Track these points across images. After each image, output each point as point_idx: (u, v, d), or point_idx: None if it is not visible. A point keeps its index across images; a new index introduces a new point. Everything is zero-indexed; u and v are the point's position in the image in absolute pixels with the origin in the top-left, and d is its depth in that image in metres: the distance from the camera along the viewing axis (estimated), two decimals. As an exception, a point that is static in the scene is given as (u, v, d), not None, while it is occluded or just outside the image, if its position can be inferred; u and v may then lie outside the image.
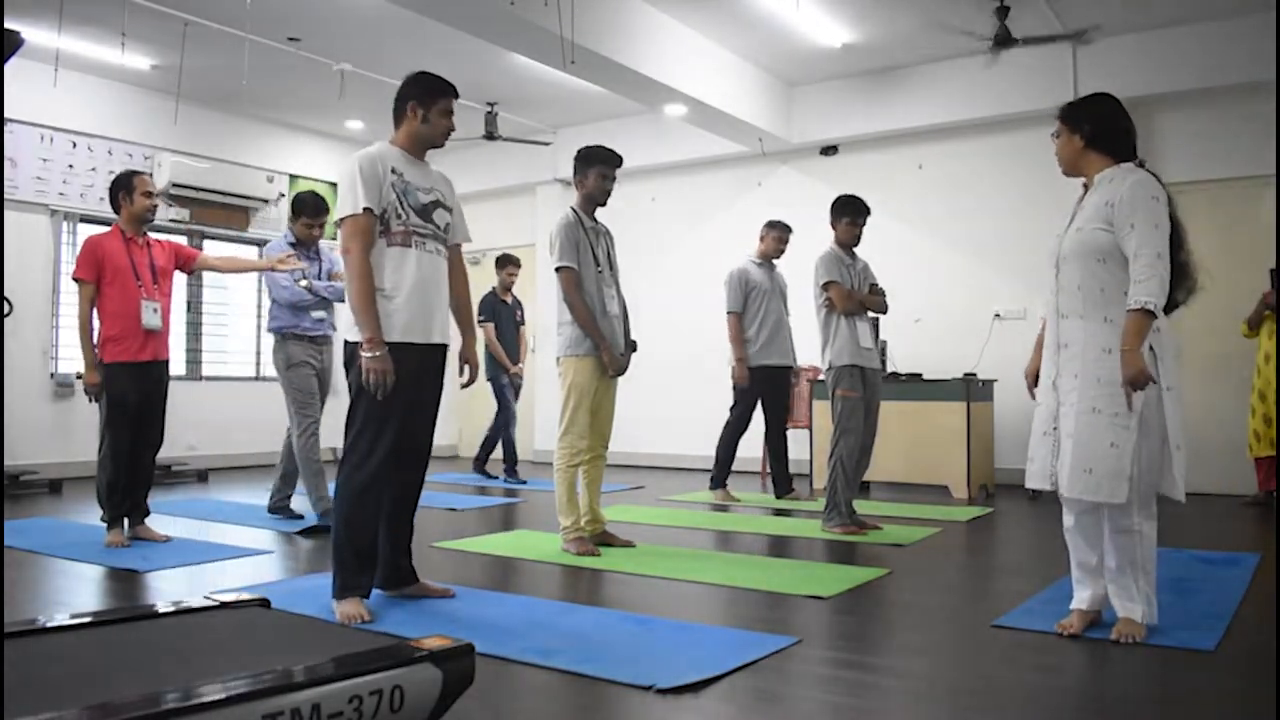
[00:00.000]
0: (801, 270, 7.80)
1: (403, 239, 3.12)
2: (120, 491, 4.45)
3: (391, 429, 3.07)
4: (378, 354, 2.99)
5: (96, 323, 4.39)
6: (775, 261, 6.28)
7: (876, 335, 4.86)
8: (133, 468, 4.49)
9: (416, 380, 3.14)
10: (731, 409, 6.21)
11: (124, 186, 4.49)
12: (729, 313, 6.09)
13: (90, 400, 4.42)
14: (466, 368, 3.43)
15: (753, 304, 6.08)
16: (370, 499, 3.08)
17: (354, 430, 3.08)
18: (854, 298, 4.71)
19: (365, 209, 3.04)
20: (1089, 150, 2.87)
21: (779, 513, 5.67)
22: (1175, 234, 2.76)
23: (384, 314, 3.06)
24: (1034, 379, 3.10)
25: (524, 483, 7.04)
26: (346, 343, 3.12)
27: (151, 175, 4.79)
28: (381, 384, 2.99)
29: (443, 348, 3.25)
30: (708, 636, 2.84)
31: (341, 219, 3.09)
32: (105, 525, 4.47)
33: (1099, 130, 2.85)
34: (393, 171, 3.13)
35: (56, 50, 6.17)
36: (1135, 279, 2.66)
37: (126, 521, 4.54)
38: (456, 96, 3.28)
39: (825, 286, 4.73)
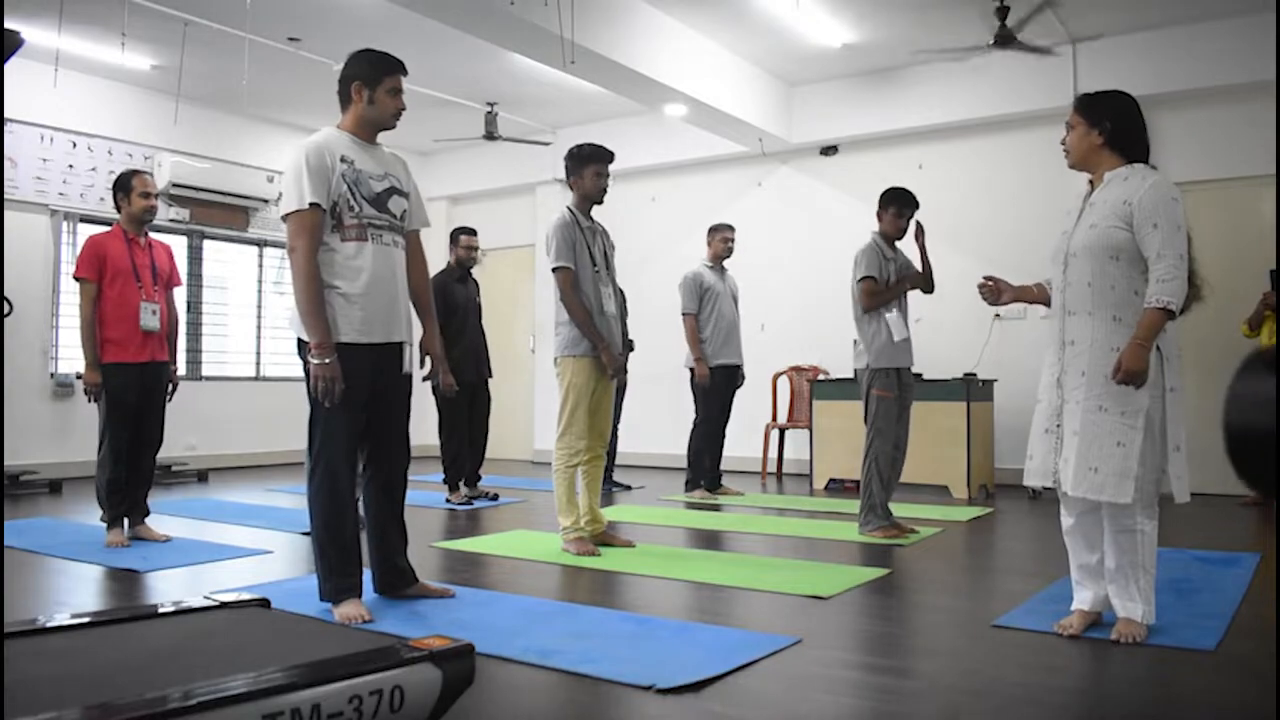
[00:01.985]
0: (800, 268, 7.86)
1: (357, 233, 2.98)
2: (120, 491, 4.45)
3: (353, 428, 3.00)
4: (327, 361, 2.88)
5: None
6: (726, 265, 6.43)
7: (908, 330, 4.74)
8: (132, 467, 4.49)
9: (379, 380, 3.04)
10: (696, 411, 6.32)
11: (122, 187, 4.50)
12: (685, 314, 6.22)
13: (89, 400, 4.42)
14: (428, 360, 3.31)
15: (706, 306, 6.23)
16: (343, 499, 3.02)
17: (318, 435, 2.98)
18: (881, 296, 4.58)
19: (312, 204, 2.91)
20: (1105, 148, 2.85)
21: (779, 513, 5.67)
22: None
23: (341, 313, 2.94)
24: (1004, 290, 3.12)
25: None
26: (300, 341, 3.00)
27: (152, 175, 4.74)
28: (330, 392, 2.89)
29: (404, 345, 3.13)
30: (708, 636, 2.84)
31: (286, 215, 2.95)
32: (105, 525, 4.47)
33: (1119, 129, 2.82)
34: (342, 160, 2.99)
35: (56, 50, 6.17)
36: (1159, 278, 2.66)
37: (126, 521, 4.54)
38: (404, 73, 3.13)
39: (860, 281, 4.61)
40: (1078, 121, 2.89)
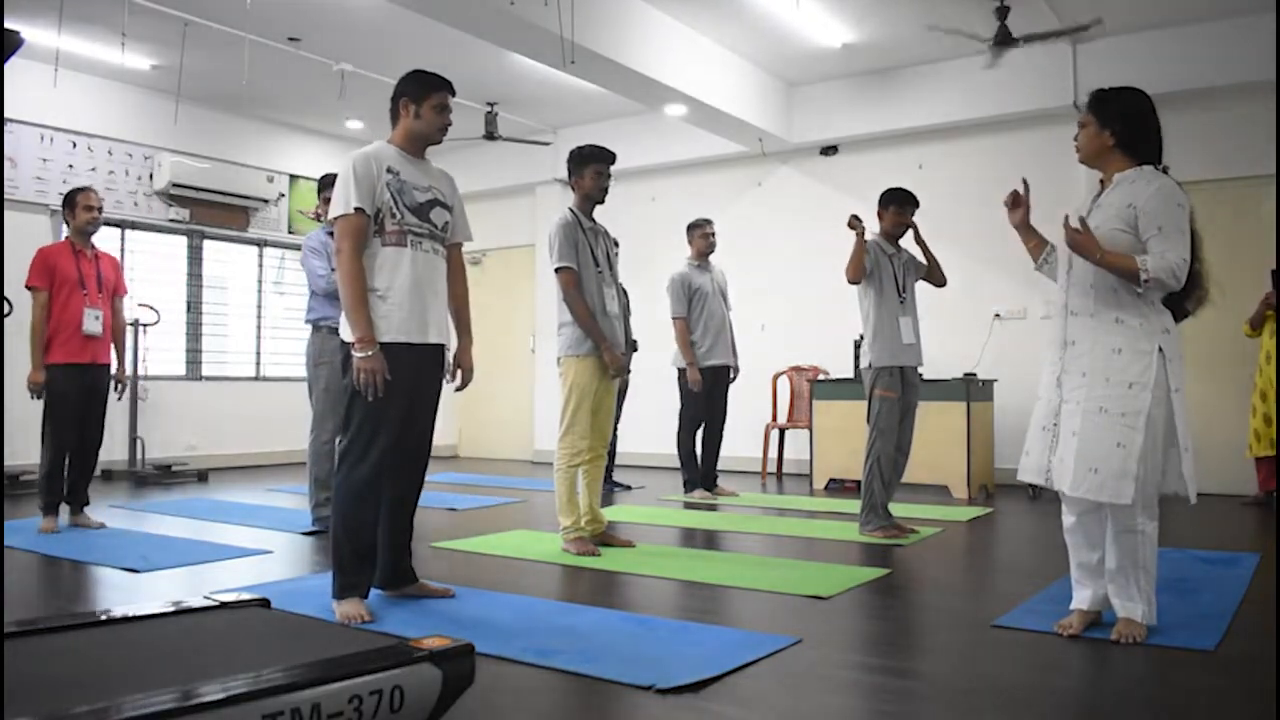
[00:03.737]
0: (800, 268, 7.85)
1: (397, 238, 3.10)
2: (56, 484, 4.84)
3: (387, 429, 3.06)
4: (369, 354, 2.99)
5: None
6: (712, 260, 6.38)
7: (918, 331, 4.73)
8: (75, 463, 4.87)
9: (413, 380, 3.11)
10: (681, 411, 6.33)
11: (68, 204, 4.88)
12: (674, 318, 6.18)
13: (33, 398, 4.75)
14: (459, 372, 3.39)
15: (695, 307, 6.18)
16: (368, 499, 3.08)
17: (350, 430, 3.07)
18: (856, 266, 4.56)
19: (356, 209, 3.04)
20: (1115, 149, 2.83)
21: (779, 513, 5.67)
22: (1192, 243, 2.75)
23: (380, 314, 3.05)
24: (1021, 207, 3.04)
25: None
26: (342, 342, 3.12)
27: (97, 192, 5.03)
28: (373, 384, 2.98)
29: (440, 348, 3.23)
30: (708, 636, 2.84)
31: (335, 218, 3.09)
32: (41, 513, 4.82)
33: (1130, 130, 2.81)
34: (388, 170, 3.12)
35: (56, 50, 6.17)
36: (1159, 254, 2.66)
37: (67, 510, 4.90)
38: (452, 93, 3.26)
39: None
40: (1089, 120, 2.87)
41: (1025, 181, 3.05)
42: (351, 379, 3.03)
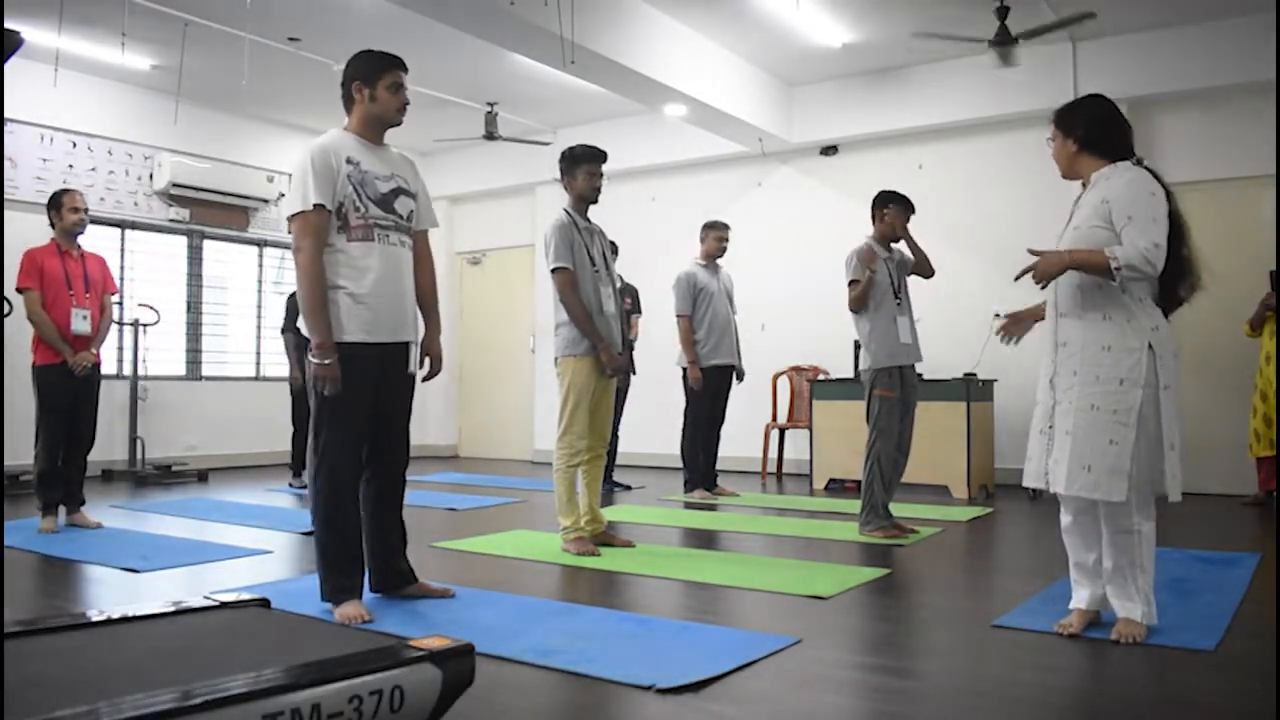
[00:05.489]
0: (800, 268, 7.85)
1: (364, 233, 2.99)
2: (52, 483, 4.85)
3: (357, 428, 3.01)
4: (327, 360, 2.90)
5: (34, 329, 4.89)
6: (720, 262, 6.40)
7: (914, 330, 4.73)
8: (67, 462, 4.91)
9: (384, 379, 3.05)
10: (685, 410, 6.34)
11: (54, 205, 4.91)
12: (679, 316, 6.19)
13: (80, 370, 4.82)
14: (427, 360, 3.30)
15: (700, 306, 6.19)
16: (347, 499, 3.03)
17: (321, 433, 3.00)
18: (863, 299, 4.59)
19: (316, 205, 2.92)
20: (1083, 154, 2.89)
21: (779, 513, 5.67)
22: (1178, 229, 2.76)
23: (348, 313, 2.96)
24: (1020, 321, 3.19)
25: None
26: (300, 338, 3.04)
27: (82, 194, 5.07)
28: (333, 390, 2.91)
29: (410, 344, 3.15)
30: (708, 636, 2.84)
31: (291, 216, 2.97)
32: (40, 513, 4.84)
33: (1092, 134, 2.87)
34: (348, 161, 3.00)
35: (56, 50, 6.17)
36: (1128, 243, 2.67)
37: (63, 510, 4.92)
38: (404, 70, 3.13)
39: (848, 284, 4.64)
40: (1055, 134, 2.95)
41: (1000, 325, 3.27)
42: (312, 382, 2.95)
